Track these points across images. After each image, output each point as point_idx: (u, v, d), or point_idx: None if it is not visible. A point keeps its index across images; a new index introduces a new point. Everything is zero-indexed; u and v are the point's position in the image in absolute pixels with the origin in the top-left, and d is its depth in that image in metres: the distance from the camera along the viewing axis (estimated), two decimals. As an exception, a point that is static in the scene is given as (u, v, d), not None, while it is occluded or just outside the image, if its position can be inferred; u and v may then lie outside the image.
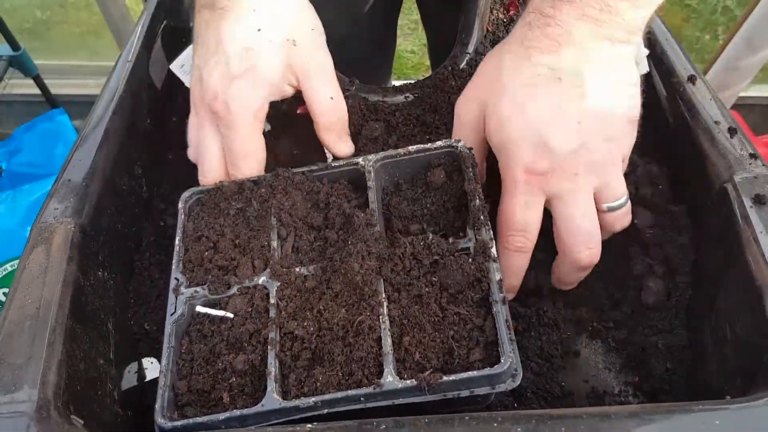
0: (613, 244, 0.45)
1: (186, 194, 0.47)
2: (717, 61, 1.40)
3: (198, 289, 0.43)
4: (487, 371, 0.34)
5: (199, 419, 0.36)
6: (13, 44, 1.45)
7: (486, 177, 0.47)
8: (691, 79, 0.50)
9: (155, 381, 0.40)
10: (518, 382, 0.35)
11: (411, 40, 1.93)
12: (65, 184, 0.45)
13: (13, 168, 1.45)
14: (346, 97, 0.49)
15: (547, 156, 0.41)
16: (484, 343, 0.37)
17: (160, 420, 0.37)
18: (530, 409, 0.39)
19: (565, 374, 0.41)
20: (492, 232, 0.39)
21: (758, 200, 0.40)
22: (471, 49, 0.54)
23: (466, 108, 0.46)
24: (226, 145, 0.46)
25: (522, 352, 0.41)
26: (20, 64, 1.47)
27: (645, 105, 0.52)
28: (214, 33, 0.46)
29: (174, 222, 0.51)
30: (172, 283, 0.43)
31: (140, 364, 0.44)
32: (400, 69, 1.87)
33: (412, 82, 0.56)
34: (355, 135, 0.52)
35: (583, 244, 0.41)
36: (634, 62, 0.43)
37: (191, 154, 0.50)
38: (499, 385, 0.35)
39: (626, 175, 0.47)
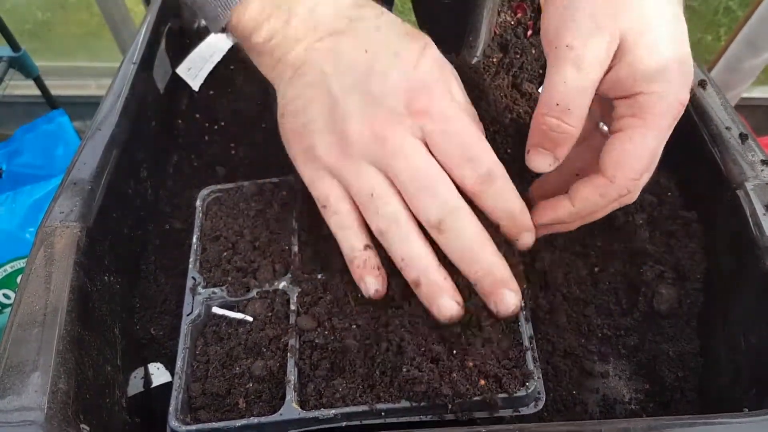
0: (623, 249, 0.45)
1: (204, 192, 0.47)
2: (719, 62, 1.40)
3: (216, 290, 0.42)
4: (508, 394, 0.34)
5: (214, 424, 0.36)
6: (14, 45, 1.44)
7: None
8: (702, 83, 0.49)
9: (162, 387, 0.39)
10: (541, 407, 0.34)
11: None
12: (70, 186, 0.44)
13: (14, 169, 1.45)
14: None
15: (686, 91, 0.36)
16: (510, 364, 0.36)
17: (173, 423, 0.36)
18: (541, 418, 0.39)
19: (575, 382, 0.41)
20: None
21: None
22: (479, 52, 0.54)
23: (591, 40, 0.35)
24: (451, 143, 0.36)
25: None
26: (21, 65, 1.47)
27: None
28: (357, 47, 0.38)
29: (180, 226, 0.51)
30: (189, 283, 0.42)
31: (146, 370, 0.44)
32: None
33: None
34: None
35: (641, 172, 0.36)
36: None
37: (343, 208, 0.38)
38: (521, 408, 0.35)
39: None
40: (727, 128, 0.45)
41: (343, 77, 0.37)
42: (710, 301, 0.43)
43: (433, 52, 0.39)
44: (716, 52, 1.45)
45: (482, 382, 0.34)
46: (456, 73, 0.40)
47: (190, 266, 0.43)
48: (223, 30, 0.40)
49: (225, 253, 0.43)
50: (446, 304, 0.35)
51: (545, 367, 0.40)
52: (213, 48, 0.58)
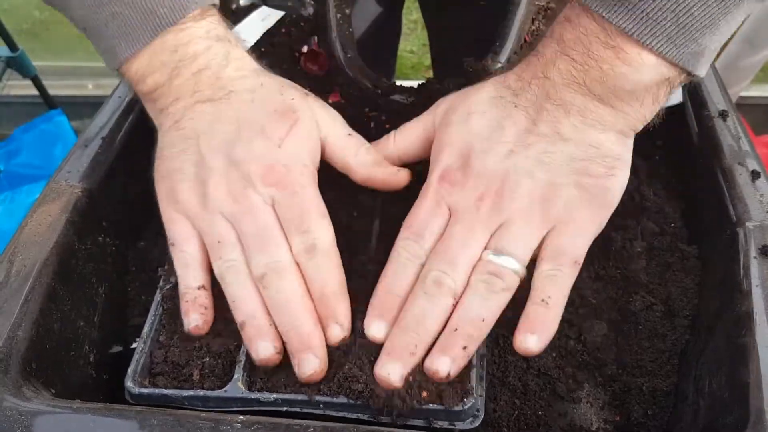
0: (617, 275, 0.45)
1: None
2: (717, 60, 1.40)
3: None
4: (445, 407, 0.35)
5: (165, 391, 0.38)
6: (11, 45, 1.45)
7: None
8: (723, 114, 0.48)
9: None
10: (478, 424, 0.36)
11: (411, 40, 1.93)
12: (81, 147, 0.48)
13: (12, 169, 1.45)
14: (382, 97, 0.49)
15: (464, 168, 0.40)
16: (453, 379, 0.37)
17: (128, 384, 0.38)
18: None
19: (544, 403, 0.41)
20: None
21: (765, 252, 0.38)
22: (503, 58, 0.53)
23: (439, 103, 0.45)
24: (292, 214, 0.40)
25: (501, 377, 0.41)
26: (18, 65, 1.47)
27: (673, 138, 0.51)
28: (229, 115, 0.42)
29: None
30: (170, 252, 0.44)
31: (127, 332, 0.46)
32: (399, 69, 1.87)
33: (436, 84, 0.55)
34: None
35: (441, 269, 0.38)
36: (620, 137, 0.40)
37: (191, 257, 0.41)
38: (457, 422, 0.36)
39: (640, 210, 0.46)
40: (740, 164, 0.44)
41: (212, 139, 0.42)
42: (693, 340, 0.42)
43: (299, 130, 0.42)
44: (715, 51, 1.45)
45: (424, 394, 0.36)
46: (332, 138, 0.45)
47: None
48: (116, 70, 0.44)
49: None
50: (263, 346, 0.38)
51: (515, 383, 0.40)
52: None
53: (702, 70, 0.37)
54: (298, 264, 0.39)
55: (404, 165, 0.45)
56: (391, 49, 0.99)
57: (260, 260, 0.39)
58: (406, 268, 0.39)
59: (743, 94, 1.48)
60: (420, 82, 0.55)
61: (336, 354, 0.38)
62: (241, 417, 0.33)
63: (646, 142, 0.51)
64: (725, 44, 1.39)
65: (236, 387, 0.37)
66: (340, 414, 0.37)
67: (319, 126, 0.44)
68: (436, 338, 0.37)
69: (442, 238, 0.39)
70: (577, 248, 0.39)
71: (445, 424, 0.36)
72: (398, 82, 0.55)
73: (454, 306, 0.38)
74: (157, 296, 0.42)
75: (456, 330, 0.37)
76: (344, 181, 0.46)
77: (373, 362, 0.37)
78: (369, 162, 0.44)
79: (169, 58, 0.42)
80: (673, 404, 0.41)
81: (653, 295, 0.44)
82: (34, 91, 1.56)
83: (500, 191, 0.39)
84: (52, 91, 1.59)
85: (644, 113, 0.40)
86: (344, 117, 0.47)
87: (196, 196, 0.41)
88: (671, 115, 0.50)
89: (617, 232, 0.46)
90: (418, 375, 0.36)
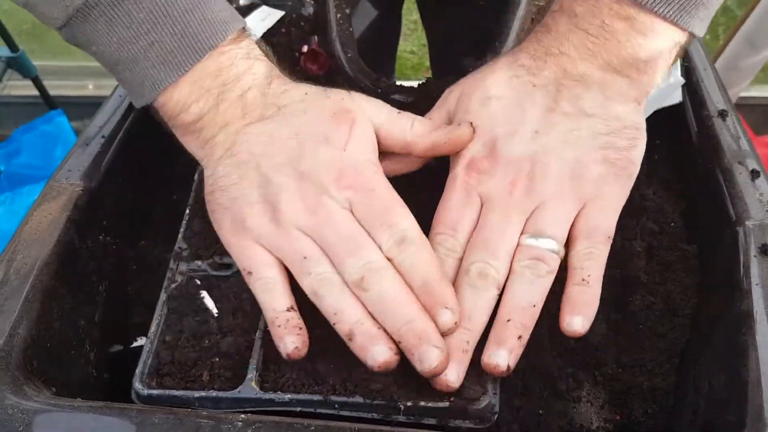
0: (617, 275, 0.45)
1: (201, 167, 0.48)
2: (717, 61, 1.40)
3: (200, 263, 0.43)
4: (463, 405, 0.35)
5: (175, 392, 0.37)
6: (12, 46, 1.45)
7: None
8: (722, 114, 0.48)
9: (139, 349, 0.41)
10: (493, 421, 0.36)
11: (411, 40, 1.93)
12: (82, 146, 0.48)
13: (12, 170, 1.45)
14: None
15: (491, 155, 0.40)
16: (470, 375, 0.36)
17: (137, 385, 0.38)
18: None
19: (544, 402, 0.41)
20: None
21: (764, 250, 0.38)
22: None
23: (450, 92, 0.45)
24: (374, 211, 0.39)
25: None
26: (19, 65, 1.47)
27: (673, 137, 0.51)
28: (287, 131, 0.40)
29: (186, 197, 0.52)
30: (175, 252, 0.44)
31: (128, 330, 0.46)
32: (399, 69, 1.87)
33: (434, 81, 0.55)
34: None
35: (483, 260, 0.38)
36: (637, 106, 0.40)
37: (271, 279, 0.39)
38: (475, 422, 0.35)
39: (639, 209, 0.46)
40: (739, 163, 0.44)
41: (273, 158, 0.40)
42: (693, 340, 0.42)
43: (359, 129, 0.41)
44: (715, 51, 1.45)
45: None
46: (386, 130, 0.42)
47: (180, 236, 0.45)
48: (146, 107, 0.42)
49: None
50: (379, 350, 0.36)
51: (515, 382, 0.40)
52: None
53: (703, 32, 0.39)
54: (390, 260, 0.38)
55: (425, 164, 0.45)
56: (391, 49, 0.99)
57: (354, 264, 0.37)
58: (445, 264, 0.39)
59: (743, 94, 1.48)
60: (420, 81, 0.55)
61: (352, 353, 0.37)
62: (243, 415, 0.33)
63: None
64: (725, 45, 1.39)
65: (250, 387, 0.37)
66: (355, 414, 0.36)
67: (371, 119, 0.42)
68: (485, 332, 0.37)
69: (477, 229, 0.39)
70: (609, 223, 0.39)
71: (464, 423, 0.36)
72: (398, 82, 0.55)
73: (498, 296, 0.38)
74: (162, 296, 0.42)
75: (509, 321, 0.36)
76: None
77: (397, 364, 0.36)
78: (426, 131, 0.42)
79: (212, 83, 0.40)
80: (673, 403, 0.41)
81: (653, 295, 0.44)
82: (35, 92, 1.56)
83: (531, 174, 0.39)
84: (52, 92, 1.59)
85: (657, 79, 0.40)
86: None
87: (267, 217, 0.39)
88: (671, 115, 0.50)
89: (617, 231, 0.45)
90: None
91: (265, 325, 0.39)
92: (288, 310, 0.38)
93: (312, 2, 0.59)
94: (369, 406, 0.36)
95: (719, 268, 0.42)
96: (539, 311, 0.37)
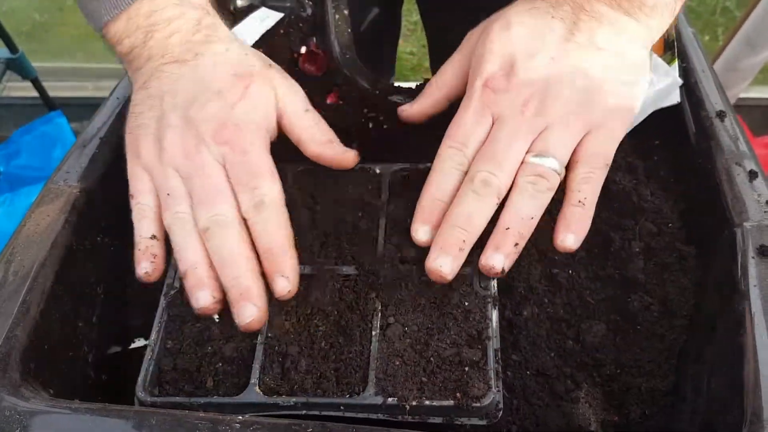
0: (615, 275, 0.45)
1: None
2: (716, 62, 1.40)
3: None
4: (468, 402, 0.35)
5: (179, 399, 0.37)
6: (11, 47, 1.44)
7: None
8: (720, 114, 0.48)
9: (137, 350, 0.41)
10: (498, 418, 0.36)
11: (410, 41, 1.93)
12: (80, 148, 0.48)
13: (12, 171, 1.45)
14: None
15: (509, 75, 0.42)
16: (474, 373, 0.37)
17: (140, 393, 0.38)
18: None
19: (542, 402, 0.41)
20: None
21: (762, 251, 0.38)
22: None
23: (471, 33, 0.48)
24: (241, 172, 0.42)
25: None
26: (18, 66, 1.47)
27: (671, 138, 0.51)
28: (192, 76, 0.45)
29: None
30: (174, 258, 0.43)
31: (126, 332, 0.46)
32: (399, 70, 1.87)
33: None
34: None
35: (488, 170, 0.40)
36: (643, 47, 0.44)
37: (146, 208, 0.43)
38: (479, 419, 0.36)
39: (638, 210, 0.46)
40: (738, 164, 0.44)
41: (174, 98, 0.44)
42: (691, 341, 0.42)
43: (255, 92, 0.44)
44: (714, 52, 1.45)
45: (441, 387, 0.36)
46: (292, 95, 0.46)
47: None
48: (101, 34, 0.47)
49: None
50: (201, 295, 0.39)
51: (514, 382, 0.40)
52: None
53: None
54: (246, 221, 0.41)
55: (453, 104, 0.47)
56: (390, 49, 0.99)
57: (204, 213, 0.41)
58: (450, 176, 0.41)
59: (742, 95, 1.48)
60: (419, 83, 0.55)
61: (361, 356, 0.38)
62: (240, 417, 0.33)
63: (644, 143, 0.51)
64: (724, 46, 1.39)
65: (253, 392, 0.37)
66: (361, 415, 0.36)
67: (277, 96, 0.46)
68: (480, 237, 0.39)
69: (486, 143, 0.41)
70: (609, 151, 0.42)
71: (469, 420, 0.36)
72: (397, 84, 0.55)
73: (497, 206, 0.40)
74: (162, 302, 0.42)
75: (508, 229, 0.39)
76: (349, 181, 0.46)
77: (400, 364, 0.37)
78: (321, 139, 0.46)
79: (144, 22, 0.45)
80: (671, 404, 0.41)
81: (651, 295, 0.44)
82: (34, 93, 1.56)
83: (544, 97, 0.41)
84: (52, 93, 1.59)
85: (663, 26, 0.44)
86: (343, 118, 0.47)
87: (154, 150, 0.43)
88: (669, 116, 0.50)
89: (615, 232, 0.46)
90: (443, 373, 0.37)
91: (267, 327, 0.39)
92: (151, 238, 0.42)
93: (310, 3, 0.59)
94: (375, 407, 0.36)
95: (717, 269, 0.42)
96: (536, 224, 0.40)
